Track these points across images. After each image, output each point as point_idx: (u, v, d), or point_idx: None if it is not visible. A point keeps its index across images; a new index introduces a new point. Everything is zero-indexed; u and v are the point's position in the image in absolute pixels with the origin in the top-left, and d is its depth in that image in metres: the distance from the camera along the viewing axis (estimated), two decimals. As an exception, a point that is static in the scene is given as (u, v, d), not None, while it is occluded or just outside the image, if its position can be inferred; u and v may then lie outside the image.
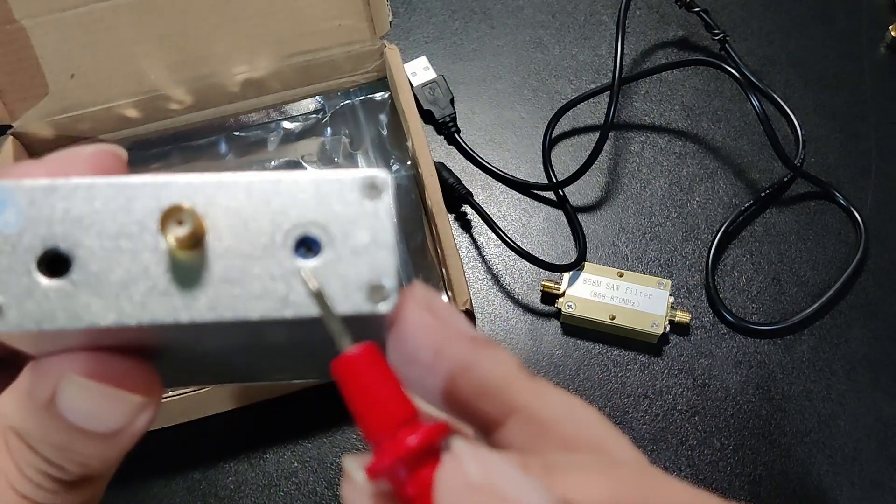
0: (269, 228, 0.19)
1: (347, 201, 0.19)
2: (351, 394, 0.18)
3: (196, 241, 0.19)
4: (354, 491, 0.19)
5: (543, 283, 0.54)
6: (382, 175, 0.20)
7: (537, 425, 0.20)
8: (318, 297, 0.19)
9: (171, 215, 0.18)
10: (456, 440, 0.16)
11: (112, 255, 0.19)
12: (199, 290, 0.19)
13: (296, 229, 0.19)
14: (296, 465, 0.49)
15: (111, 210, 0.19)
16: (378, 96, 0.58)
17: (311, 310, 0.19)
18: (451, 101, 0.60)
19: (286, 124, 0.58)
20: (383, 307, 0.19)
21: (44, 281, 0.18)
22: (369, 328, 0.20)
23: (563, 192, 0.57)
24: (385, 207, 0.19)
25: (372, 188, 0.20)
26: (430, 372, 0.20)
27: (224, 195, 0.19)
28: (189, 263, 0.19)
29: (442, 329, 0.20)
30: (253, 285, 0.19)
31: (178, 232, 0.18)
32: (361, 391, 0.18)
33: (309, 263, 0.19)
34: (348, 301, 0.19)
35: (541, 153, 0.59)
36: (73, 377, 0.20)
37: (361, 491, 0.19)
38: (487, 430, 0.21)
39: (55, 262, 0.19)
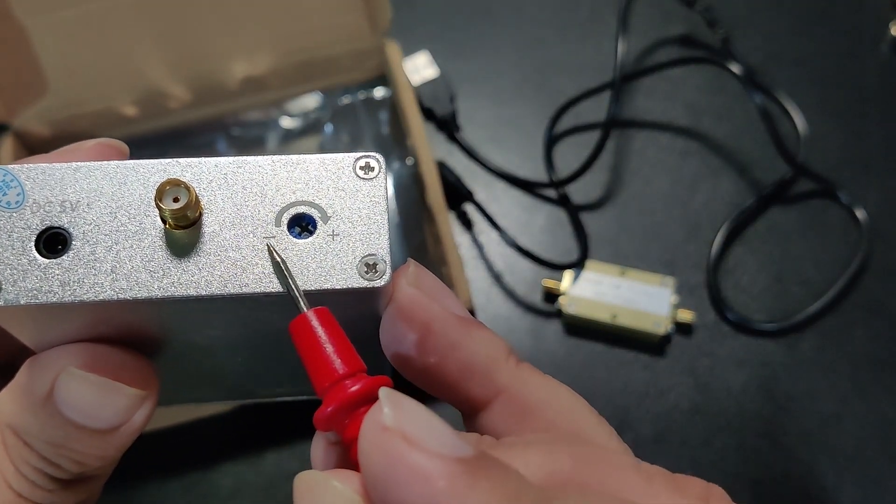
0: (264, 208, 0.20)
1: (342, 181, 0.20)
2: (303, 350, 0.19)
3: (191, 218, 0.20)
4: (316, 441, 0.20)
5: (545, 281, 0.54)
6: (377, 156, 0.20)
7: (521, 408, 0.21)
8: (278, 265, 0.19)
9: (167, 191, 0.19)
10: (382, 389, 0.17)
11: (109, 232, 0.20)
12: (193, 267, 0.19)
13: (291, 208, 0.20)
14: (295, 465, 0.49)
15: (109, 190, 0.20)
16: (378, 94, 0.58)
17: (298, 285, 0.19)
18: (452, 99, 0.60)
19: (286, 122, 0.58)
20: (377, 283, 0.20)
21: (42, 258, 0.19)
22: (365, 305, 0.21)
23: (564, 190, 0.57)
24: (379, 187, 0.20)
25: (366, 169, 0.20)
26: (419, 348, 0.21)
27: (220, 176, 0.20)
28: (184, 241, 0.20)
29: (431, 306, 0.21)
30: (247, 263, 0.20)
31: (173, 206, 0.19)
32: (312, 347, 0.19)
33: (303, 241, 0.20)
34: (343, 277, 0.20)
35: (542, 151, 0.59)
36: (71, 369, 0.20)
37: (317, 440, 0.20)
38: (473, 410, 0.21)
39: (54, 240, 0.19)
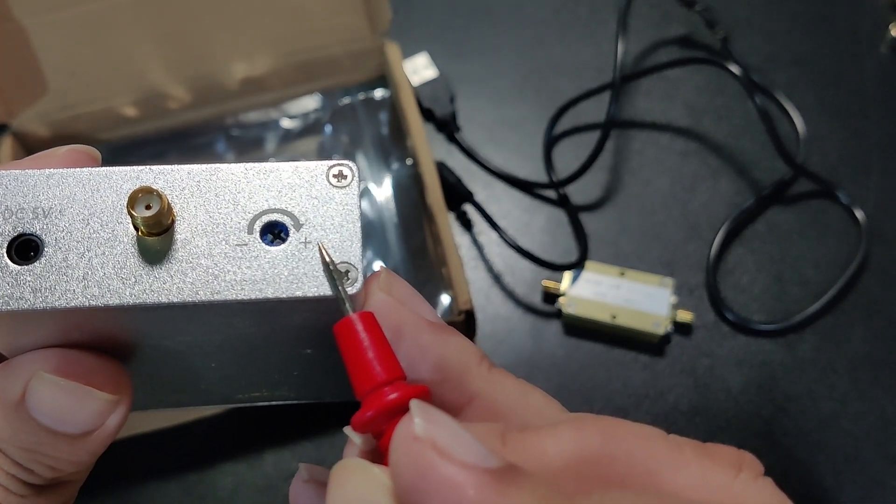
0: (236, 215, 0.20)
1: (315, 189, 0.20)
2: (347, 353, 0.19)
3: (163, 225, 0.20)
4: (349, 449, 0.20)
5: (544, 282, 0.54)
6: (350, 164, 0.21)
7: (494, 413, 0.21)
8: (328, 267, 0.20)
9: (140, 198, 0.19)
10: (413, 400, 0.18)
11: (81, 239, 0.20)
12: (165, 274, 0.19)
13: (263, 216, 0.20)
14: (294, 465, 0.49)
15: (82, 197, 0.20)
16: (378, 94, 0.58)
17: (269, 293, 0.20)
18: (452, 100, 0.60)
19: (285, 123, 0.58)
20: (349, 290, 0.20)
21: (14, 265, 0.19)
22: (338, 311, 0.21)
23: (564, 190, 0.57)
24: (352, 195, 0.20)
25: (339, 177, 0.21)
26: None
27: (192, 183, 0.20)
28: (157, 248, 0.20)
29: (402, 311, 0.21)
30: (219, 270, 0.20)
31: (146, 214, 0.19)
32: (354, 350, 0.19)
33: (276, 249, 0.20)
34: (316, 285, 0.20)
35: (542, 152, 0.59)
36: (43, 374, 0.20)
37: (350, 449, 0.20)
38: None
39: (26, 247, 0.19)
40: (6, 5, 0.51)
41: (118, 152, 0.56)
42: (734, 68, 0.56)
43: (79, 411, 0.20)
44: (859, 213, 0.56)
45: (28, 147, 0.55)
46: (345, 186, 0.21)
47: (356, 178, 0.21)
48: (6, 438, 0.21)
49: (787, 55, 0.63)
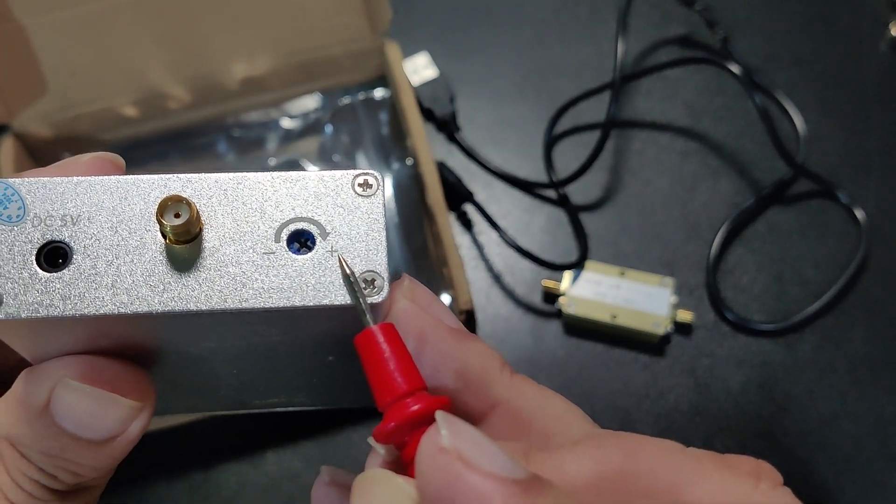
0: (263, 224, 0.20)
1: (341, 198, 0.21)
2: (368, 364, 0.20)
3: (192, 233, 0.20)
4: (372, 458, 0.20)
5: (545, 282, 0.54)
6: (375, 174, 0.21)
7: (516, 420, 0.21)
8: (349, 279, 0.20)
9: (169, 206, 0.19)
10: (438, 412, 0.18)
11: (110, 247, 0.20)
12: (193, 282, 0.20)
13: (290, 224, 0.20)
14: (298, 465, 0.49)
15: (110, 204, 0.20)
16: (378, 94, 0.58)
17: (296, 301, 0.20)
18: (452, 100, 0.60)
19: (286, 123, 0.58)
20: (375, 299, 0.20)
21: (43, 272, 0.19)
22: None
23: (564, 190, 0.57)
24: (377, 204, 0.21)
25: (365, 186, 0.21)
26: (414, 359, 0.21)
27: (220, 191, 0.20)
28: (185, 256, 0.20)
29: (426, 317, 0.21)
30: (247, 278, 0.20)
31: (175, 222, 0.19)
32: (376, 361, 0.19)
33: (303, 257, 0.20)
34: (342, 293, 0.20)
35: (542, 151, 0.59)
36: (68, 381, 0.20)
37: (373, 459, 0.20)
38: (471, 422, 0.21)
39: (55, 254, 0.20)
40: (6, 5, 0.51)
41: (119, 153, 0.56)
42: (734, 68, 0.56)
43: (103, 418, 0.21)
44: (859, 213, 0.56)
45: (29, 147, 0.55)
46: (370, 195, 0.21)
47: (381, 188, 0.21)
48: (30, 444, 0.21)
49: (787, 55, 0.63)
